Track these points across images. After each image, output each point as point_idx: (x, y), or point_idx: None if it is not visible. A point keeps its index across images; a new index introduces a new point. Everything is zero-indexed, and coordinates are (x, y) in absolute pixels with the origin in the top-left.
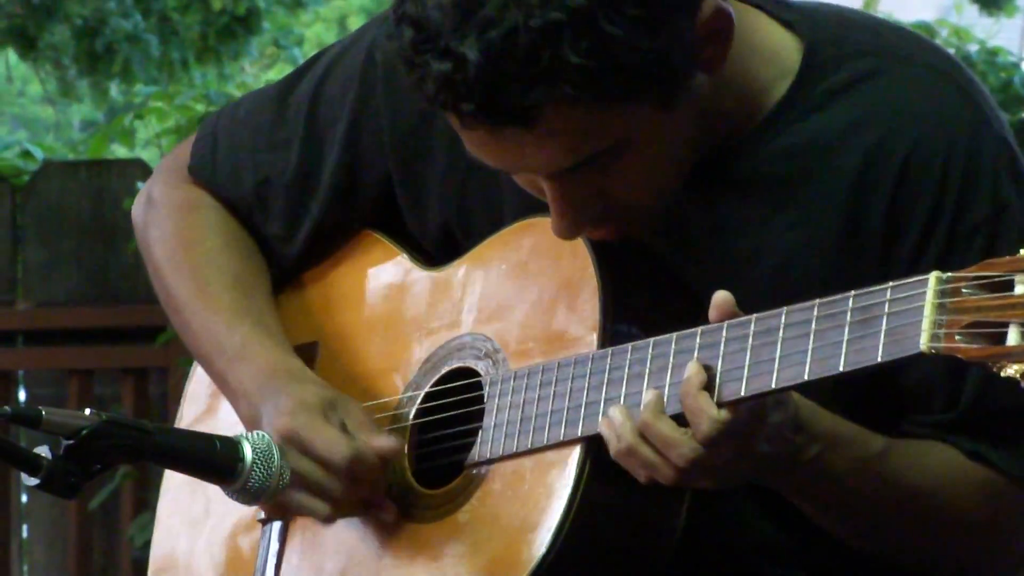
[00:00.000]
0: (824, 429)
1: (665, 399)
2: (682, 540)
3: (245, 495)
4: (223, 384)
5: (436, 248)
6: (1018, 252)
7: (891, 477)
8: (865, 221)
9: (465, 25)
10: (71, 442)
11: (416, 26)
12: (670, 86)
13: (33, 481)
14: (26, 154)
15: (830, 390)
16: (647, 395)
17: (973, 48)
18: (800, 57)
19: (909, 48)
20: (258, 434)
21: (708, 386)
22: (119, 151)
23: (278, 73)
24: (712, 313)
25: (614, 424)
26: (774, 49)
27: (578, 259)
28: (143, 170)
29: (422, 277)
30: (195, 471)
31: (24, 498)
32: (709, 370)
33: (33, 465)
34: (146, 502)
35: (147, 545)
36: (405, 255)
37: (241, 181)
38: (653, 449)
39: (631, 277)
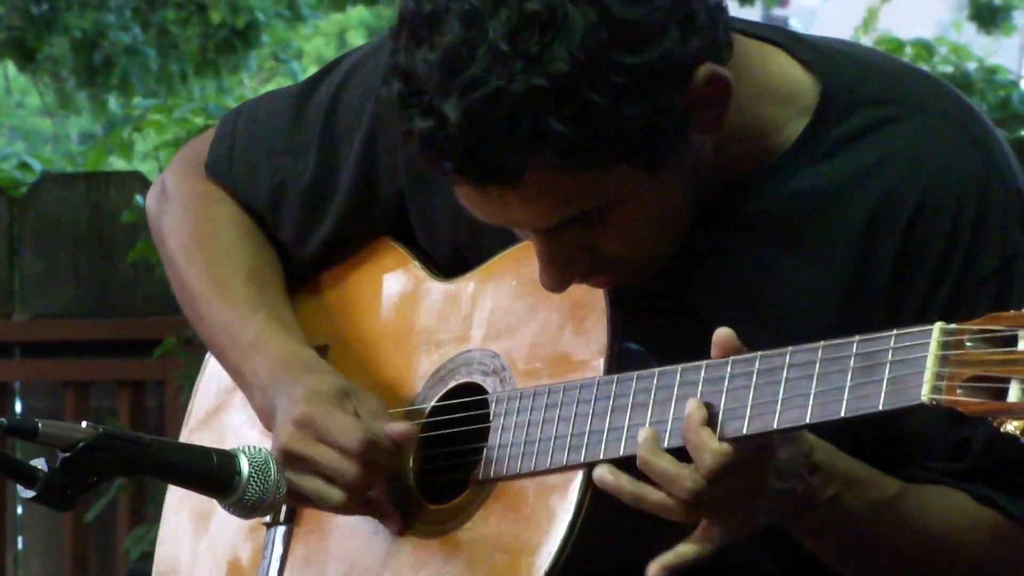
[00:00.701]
0: (841, 470)
1: (667, 433)
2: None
3: (241, 509)
4: (237, 375)
5: (447, 264)
6: (978, 311)
7: (906, 520)
8: (874, 267)
9: (449, 84)
10: (67, 454)
11: (404, 79)
12: (657, 152)
13: (29, 493)
14: (24, 166)
15: (833, 432)
16: (643, 433)
17: (971, 66)
18: (816, 99)
19: (924, 95)
20: (255, 448)
21: (710, 422)
22: (117, 164)
23: (277, 86)
24: (714, 351)
25: (607, 485)
26: (790, 89)
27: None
28: (141, 183)
29: (433, 288)
30: (191, 484)
31: (20, 510)
32: (711, 407)
33: (29, 477)
34: (142, 515)
35: (143, 557)
36: (419, 264)
37: (257, 183)
38: (656, 487)
39: (640, 302)
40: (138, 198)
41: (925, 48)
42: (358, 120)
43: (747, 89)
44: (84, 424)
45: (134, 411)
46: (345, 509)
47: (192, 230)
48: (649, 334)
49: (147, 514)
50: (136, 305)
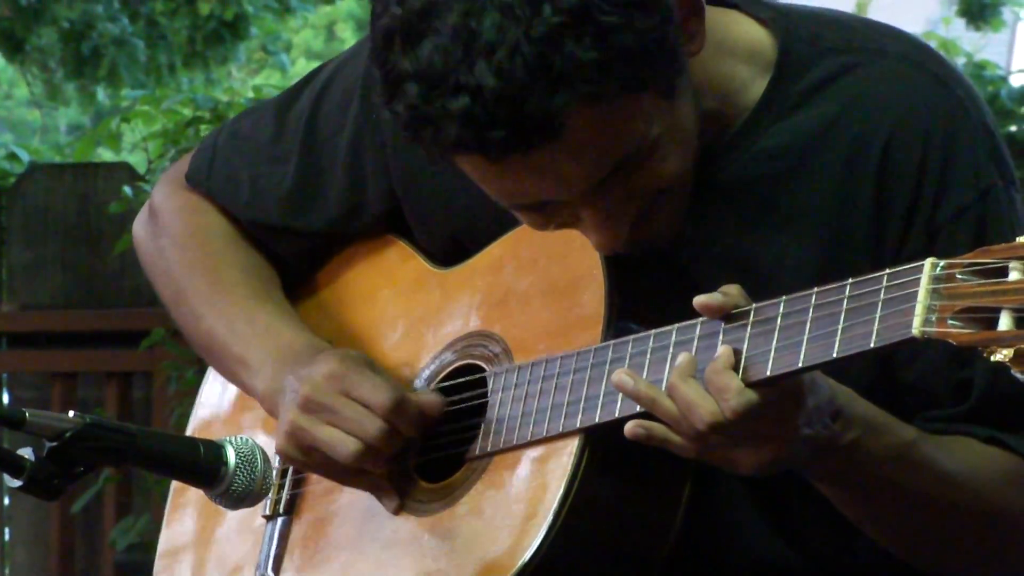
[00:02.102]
0: (861, 415)
1: (663, 383)
2: (681, 546)
3: (228, 499)
4: (241, 365)
5: (447, 255)
6: (1013, 238)
7: (925, 465)
8: (852, 216)
9: (470, 57)
10: (54, 444)
11: (419, 79)
12: (672, 67)
13: (16, 483)
14: (12, 157)
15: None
16: (680, 358)
17: (960, 61)
18: (775, 55)
19: (882, 41)
20: (241, 438)
21: (737, 368)
22: (105, 155)
23: (265, 79)
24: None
25: (625, 387)
26: (751, 47)
27: (586, 256)
28: (129, 173)
29: (434, 276)
30: (178, 475)
31: (6, 500)
32: (738, 354)
33: (16, 467)
34: (128, 506)
35: (130, 549)
36: (420, 255)
37: (237, 190)
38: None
39: (637, 275)
40: (126, 189)
41: None
42: (341, 124)
43: (712, 46)
44: (71, 414)
45: (121, 402)
46: (354, 466)
47: (185, 239)
48: (644, 308)
49: (134, 505)
50: (123, 296)
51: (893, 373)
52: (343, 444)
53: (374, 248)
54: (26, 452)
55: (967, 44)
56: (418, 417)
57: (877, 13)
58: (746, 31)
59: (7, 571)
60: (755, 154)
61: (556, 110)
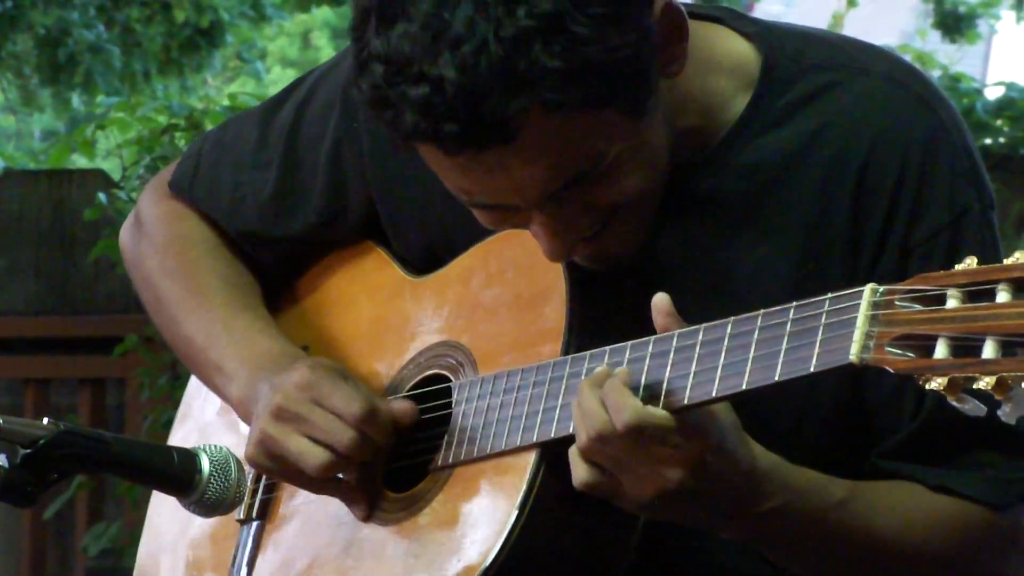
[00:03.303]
0: (785, 482)
1: None
2: (648, 559)
3: (202, 507)
4: (216, 372)
5: (423, 264)
6: (986, 262)
7: (854, 525)
8: (828, 234)
9: (436, 47)
10: (28, 451)
11: (386, 61)
12: (641, 88)
13: None
14: None
15: (809, 420)
16: (599, 369)
17: (936, 74)
18: (759, 71)
19: (866, 60)
20: (216, 446)
21: (654, 394)
22: (80, 161)
23: (240, 86)
24: (655, 317)
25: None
26: (736, 61)
27: (551, 270)
28: (104, 180)
29: (407, 285)
30: (152, 483)
31: None
32: (638, 378)
33: None
34: (100, 513)
35: (102, 555)
36: (396, 263)
37: (218, 197)
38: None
39: (602, 289)
40: (100, 196)
41: None
42: (322, 132)
43: (695, 62)
44: (45, 421)
45: (94, 409)
46: (323, 476)
47: (165, 246)
48: (620, 321)
49: (105, 512)
50: (97, 302)
51: (858, 392)
52: (312, 455)
53: (353, 255)
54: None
55: (943, 56)
56: (390, 426)
57: (853, 25)
58: (731, 46)
59: None
60: (735, 169)
61: (513, 113)
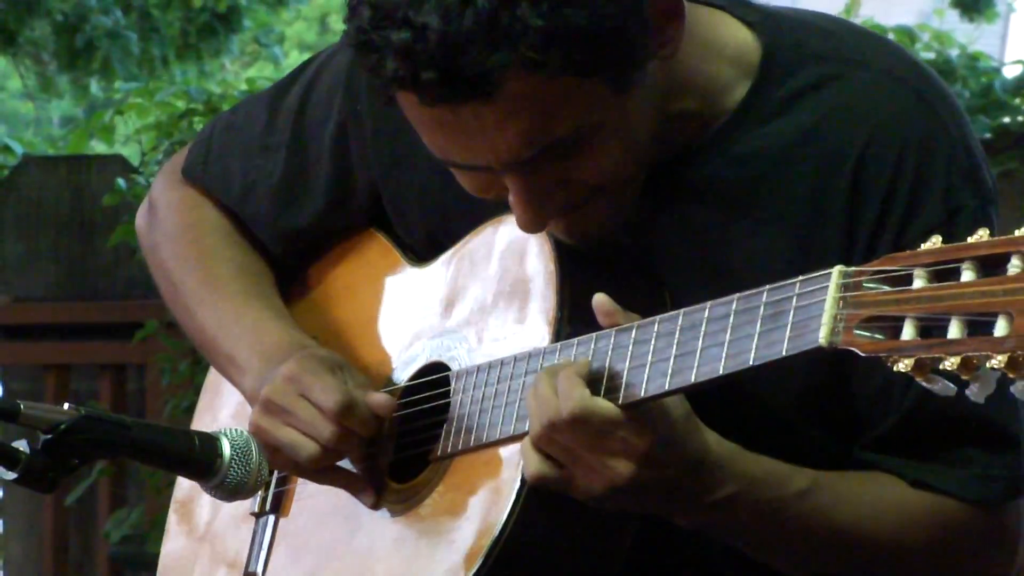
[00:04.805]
0: (741, 470)
1: (603, 386)
2: (643, 549)
3: (223, 491)
4: (230, 363)
5: (425, 251)
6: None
7: (816, 515)
8: (824, 227)
9: None
10: (49, 436)
11: (373, 5)
12: (626, 62)
13: (10, 475)
14: (5, 149)
15: (801, 409)
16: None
17: (954, 53)
18: (759, 59)
19: (867, 53)
20: (236, 430)
21: (613, 385)
22: (98, 147)
23: (258, 71)
24: (601, 320)
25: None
26: (737, 49)
27: (543, 254)
28: (122, 166)
29: (409, 274)
30: (173, 467)
31: (0, 493)
32: (598, 370)
33: (11, 459)
34: (123, 498)
35: (123, 541)
36: (398, 251)
37: (230, 184)
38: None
39: (595, 274)
40: (119, 181)
41: (907, 35)
42: (327, 114)
43: (695, 47)
44: (66, 406)
45: (115, 394)
46: (316, 466)
47: (179, 234)
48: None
49: (128, 497)
50: (117, 288)
51: (849, 381)
52: (303, 446)
53: (358, 243)
54: (21, 444)
55: (960, 36)
56: (370, 418)
57: (870, 5)
58: (733, 33)
59: (1, 564)
60: (731, 157)
61: (492, 67)
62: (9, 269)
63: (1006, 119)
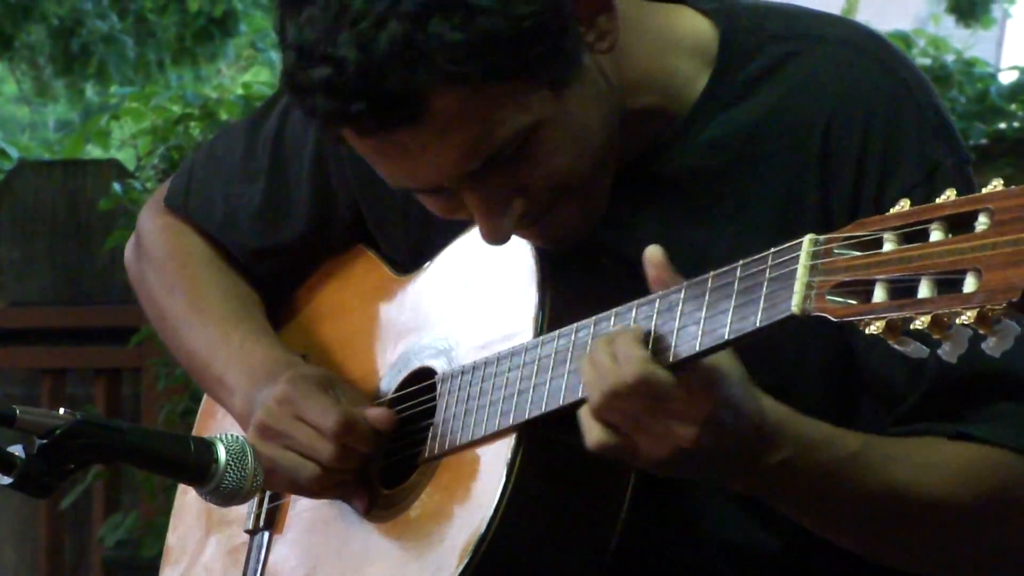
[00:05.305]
0: (795, 434)
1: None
2: (645, 531)
3: (218, 496)
4: (219, 385)
5: (410, 264)
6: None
7: (870, 475)
8: (800, 204)
9: (336, 28)
10: (45, 441)
11: (296, 48)
12: (552, 60)
13: (6, 480)
14: (1, 153)
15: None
16: (614, 320)
17: (950, 58)
18: (718, 46)
19: (824, 28)
20: (232, 436)
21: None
22: (94, 152)
23: (254, 75)
24: (649, 271)
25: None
26: (695, 39)
27: (523, 255)
28: (118, 171)
29: (395, 285)
30: (169, 472)
31: None
32: (650, 334)
33: (6, 464)
34: (117, 503)
35: (118, 545)
36: (384, 264)
37: (212, 211)
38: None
39: (578, 273)
40: (115, 186)
41: (904, 41)
42: (304, 138)
43: (651, 42)
44: (62, 411)
45: (110, 399)
46: (318, 488)
47: (164, 261)
48: (593, 302)
49: (122, 502)
50: (112, 293)
51: (853, 357)
52: (303, 468)
53: (345, 260)
54: (16, 449)
55: (956, 41)
56: (370, 434)
57: (867, 10)
58: (691, 25)
59: None
60: (699, 146)
61: (416, 88)
62: (4, 273)
63: (1002, 125)
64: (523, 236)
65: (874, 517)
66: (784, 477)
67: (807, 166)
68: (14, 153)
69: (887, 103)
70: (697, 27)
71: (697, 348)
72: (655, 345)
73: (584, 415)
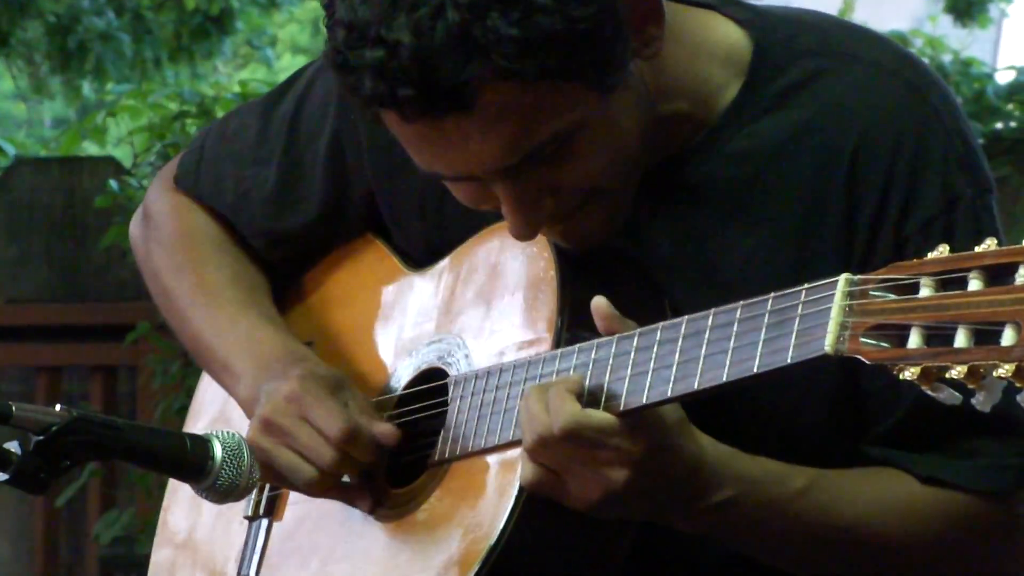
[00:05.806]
0: (737, 473)
1: (604, 393)
2: (648, 541)
3: (214, 494)
4: (224, 370)
5: (424, 259)
6: (925, 255)
7: (816, 513)
8: (822, 223)
9: (394, 11)
10: (41, 438)
11: (347, 26)
12: (603, 64)
13: (2, 477)
14: None
15: (807, 407)
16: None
17: (947, 58)
18: (750, 58)
19: (857, 47)
20: (228, 433)
21: (614, 392)
22: (91, 149)
23: (251, 73)
24: (599, 324)
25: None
26: (728, 48)
27: (543, 260)
28: (115, 168)
29: (407, 279)
30: (165, 469)
31: None
32: (611, 377)
33: (2, 460)
34: (113, 500)
35: (114, 542)
36: (395, 257)
37: (222, 192)
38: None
39: (595, 279)
40: (112, 183)
41: (900, 40)
42: (321, 125)
43: (685, 49)
44: (58, 408)
45: (106, 396)
46: (313, 489)
47: (173, 242)
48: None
49: (118, 499)
50: (109, 290)
51: (857, 380)
52: (301, 469)
53: (355, 249)
54: (12, 446)
55: (953, 41)
56: (372, 446)
57: (864, 10)
58: (724, 33)
59: None
60: (725, 157)
61: (468, 79)
62: (0, 270)
63: (999, 125)
64: (546, 234)
65: (822, 554)
66: (728, 516)
67: (832, 190)
68: (10, 150)
69: (916, 131)
70: (731, 36)
71: (724, 379)
72: (608, 393)
73: (520, 454)
